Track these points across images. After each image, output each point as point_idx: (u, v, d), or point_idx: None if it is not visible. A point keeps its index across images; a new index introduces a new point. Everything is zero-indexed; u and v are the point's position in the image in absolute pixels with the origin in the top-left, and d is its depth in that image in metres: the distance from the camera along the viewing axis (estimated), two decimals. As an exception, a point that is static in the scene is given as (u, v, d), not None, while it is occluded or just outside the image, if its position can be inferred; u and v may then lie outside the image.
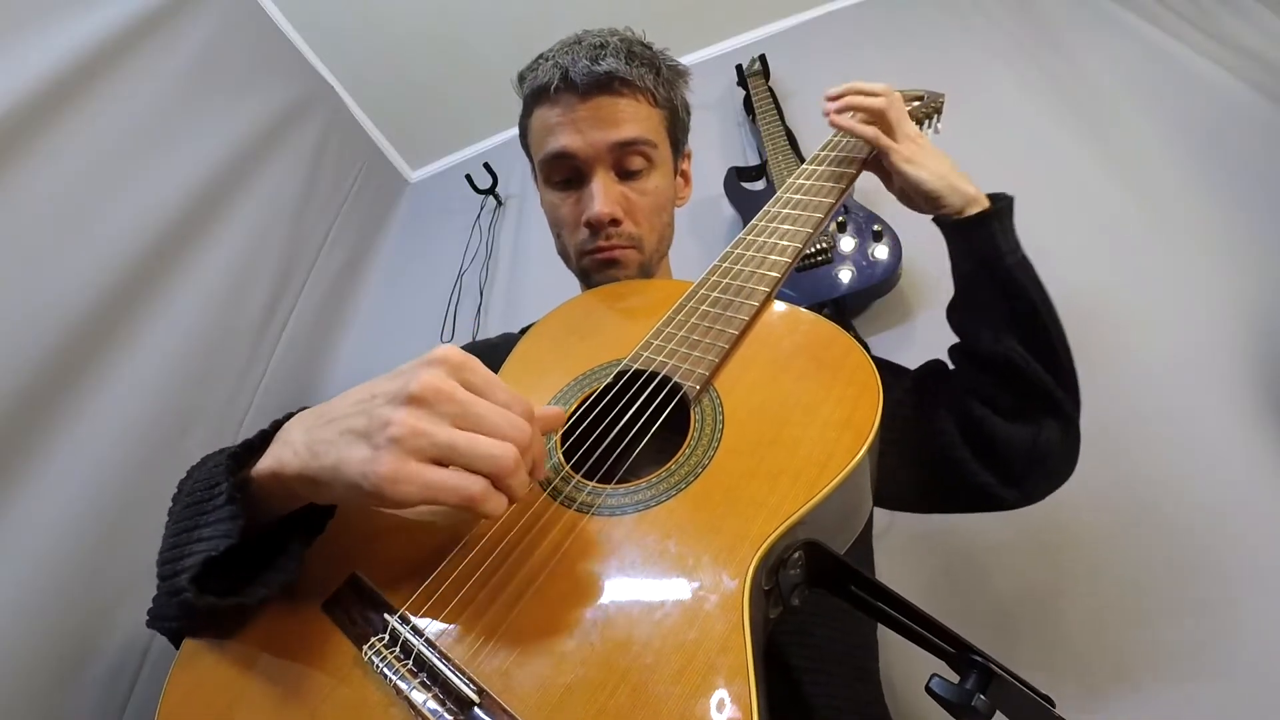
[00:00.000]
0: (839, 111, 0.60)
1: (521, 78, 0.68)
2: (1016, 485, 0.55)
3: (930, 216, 0.60)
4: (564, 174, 0.65)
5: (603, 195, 0.62)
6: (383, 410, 0.32)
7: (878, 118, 0.58)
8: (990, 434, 0.54)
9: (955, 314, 0.60)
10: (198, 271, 1.01)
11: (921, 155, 0.57)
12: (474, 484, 0.31)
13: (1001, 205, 0.56)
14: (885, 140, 0.57)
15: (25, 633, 0.61)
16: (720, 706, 0.29)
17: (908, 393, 0.61)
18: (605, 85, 0.62)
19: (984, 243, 0.55)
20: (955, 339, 0.60)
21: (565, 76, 0.61)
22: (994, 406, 0.55)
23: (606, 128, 0.62)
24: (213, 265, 1.04)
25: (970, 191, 0.56)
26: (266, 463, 0.36)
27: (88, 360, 0.78)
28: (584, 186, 0.64)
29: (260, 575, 0.36)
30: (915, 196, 0.58)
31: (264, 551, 0.37)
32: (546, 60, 0.64)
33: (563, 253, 0.70)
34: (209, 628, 0.37)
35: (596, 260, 0.65)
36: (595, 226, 0.63)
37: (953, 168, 0.58)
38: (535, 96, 0.65)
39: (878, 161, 0.60)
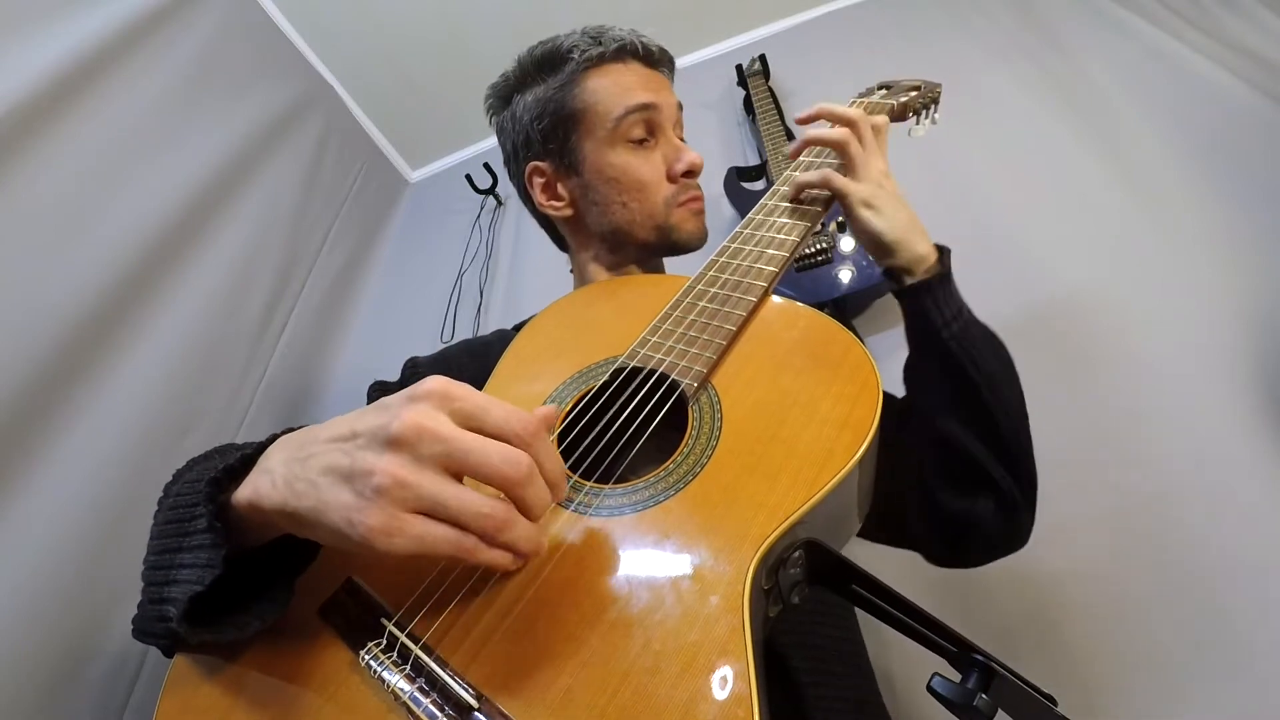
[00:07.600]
0: (800, 146, 0.57)
1: (558, 49, 0.66)
2: (950, 550, 0.54)
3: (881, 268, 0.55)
4: (644, 130, 0.65)
5: (689, 148, 0.65)
6: (365, 455, 0.30)
7: (839, 151, 0.53)
8: (933, 498, 0.51)
9: (905, 375, 0.55)
10: (198, 271, 1.01)
11: (883, 200, 0.52)
12: (468, 538, 0.31)
13: (939, 271, 0.51)
14: (838, 182, 0.52)
15: (25, 633, 0.60)
16: (722, 707, 0.28)
17: (895, 417, 0.56)
18: (664, 61, 0.68)
19: (920, 318, 0.51)
20: None
21: (634, 46, 0.64)
22: (937, 470, 0.52)
23: (671, 95, 0.67)
24: (213, 265, 1.04)
25: (921, 250, 0.52)
26: (245, 492, 0.34)
27: (88, 360, 0.78)
28: (653, 146, 0.65)
29: (253, 605, 0.35)
30: (867, 244, 0.53)
31: (254, 574, 0.36)
32: (588, 35, 0.66)
33: (627, 221, 0.65)
34: (199, 650, 0.37)
35: (692, 209, 0.66)
36: (694, 173, 0.65)
37: (913, 218, 0.53)
38: (602, 58, 0.65)
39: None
